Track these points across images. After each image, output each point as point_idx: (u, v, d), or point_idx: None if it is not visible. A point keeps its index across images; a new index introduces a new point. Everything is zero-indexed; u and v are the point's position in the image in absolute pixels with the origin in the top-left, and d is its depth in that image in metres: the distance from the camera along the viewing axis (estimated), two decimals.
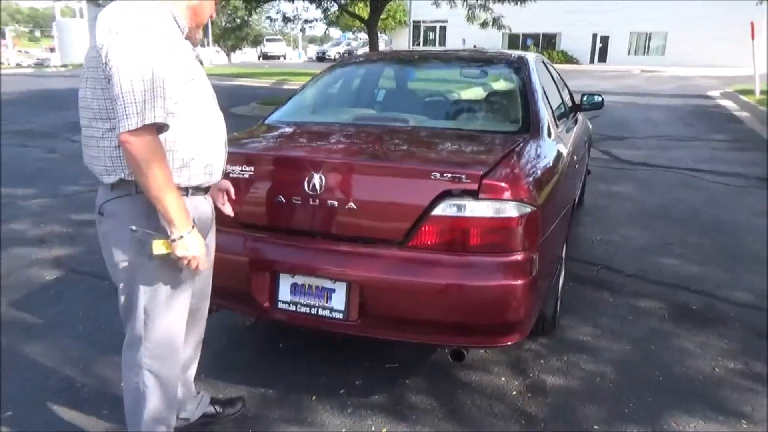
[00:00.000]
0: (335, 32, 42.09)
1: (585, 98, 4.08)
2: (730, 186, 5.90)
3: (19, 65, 32.46)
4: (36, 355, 2.69)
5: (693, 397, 2.42)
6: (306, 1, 15.29)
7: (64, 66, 29.92)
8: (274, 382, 2.49)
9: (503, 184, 2.07)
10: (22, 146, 8.03)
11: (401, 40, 40.01)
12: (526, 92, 2.97)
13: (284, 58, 42.90)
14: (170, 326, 1.79)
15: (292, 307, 2.27)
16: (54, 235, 4.37)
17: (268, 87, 17.89)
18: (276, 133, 2.95)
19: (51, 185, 5.84)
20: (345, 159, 2.36)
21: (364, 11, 15.71)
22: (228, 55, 40.66)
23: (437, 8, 16.43)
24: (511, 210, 2.06)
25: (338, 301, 2.20)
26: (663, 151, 7.75)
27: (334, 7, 16.11)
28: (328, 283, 2.21)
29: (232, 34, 37.98)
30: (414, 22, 38.39)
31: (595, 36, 34.82)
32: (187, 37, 1.73)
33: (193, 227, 1.64)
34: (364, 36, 28.27)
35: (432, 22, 37.95)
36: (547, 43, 35.99)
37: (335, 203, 2.18)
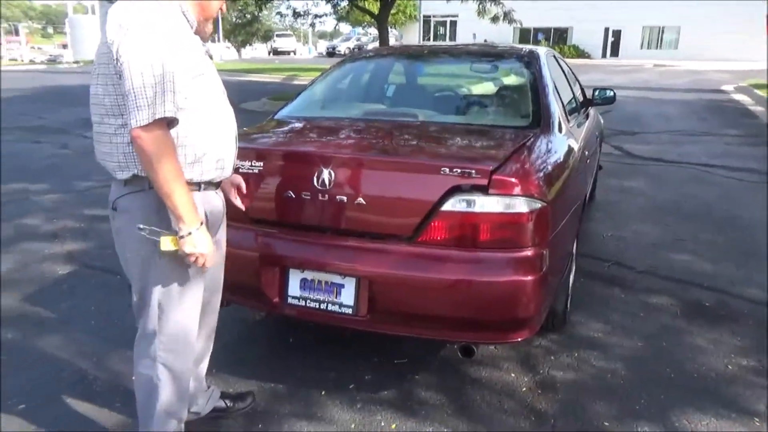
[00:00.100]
0: (345, 27, 42.02)
1: (597, 93, 4.05)
2: (743, 181, 5.83)
3: (32, 61, 32.77)
4: (49, 349, 2.72)
5: (705, 394, 2.40)
6: None
7: (77, 62, 30.17)
8: (283, 377, 2.50)
9: (513, 180, 2.06)
10: (35, 142, 8.11)
11: (411, 35, 39.89)
12: (536, 87, 2.94)
13: (294, 54, 42.93)
14: (184, 320, 1.80)
15: (302, 303, 2.27)
16: (67, 230, 4.41)
17: (279, 82, 17.94)
18: (286, 129, 2.95)
19: (63, 181, 5.90)
20: (354, 154, 2.36)
21: (374, 6, 15.68)
22: (238, 50, 40.76)
23: (447, 3, 16.36)
24: (521, 205, 2.05)
25: (347, 296, 2.20)
26: (676, 146, 7.68)
27: (344, 2, 16.10)
28: (337, 279, 2.21)
29: (242, 30, 38.12)
30: (424, 16, 38.23)
31: (607, 30, 34.53)
32: (197, 32, 1.73)
33: (201, 224, 1.64)
34: (374, 31, 28.20)
35: (442, 16, 37.77)
36: (558, 37, 35.72)
37: (344, 198, 2.18)
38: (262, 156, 2.35)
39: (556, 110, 2.82)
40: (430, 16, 38.57)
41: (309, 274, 2.26)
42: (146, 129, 1.50)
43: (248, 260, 2.30)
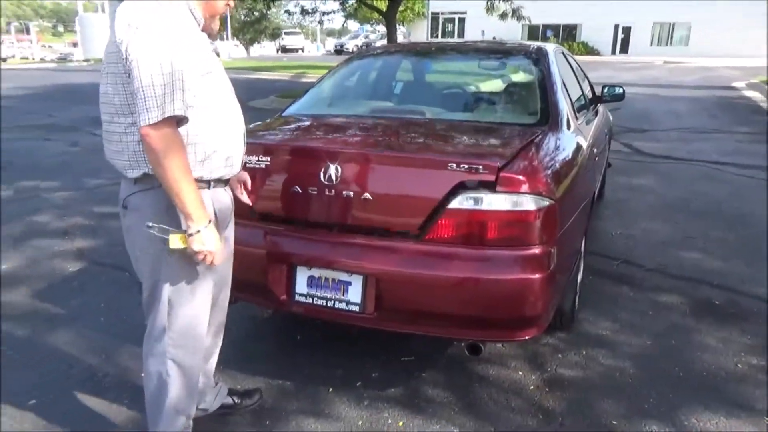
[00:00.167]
0: (353, 25, 42.09)
1: (606, 90, 4.04)
2: (754, 179, 5.78)
3: (42, 60, 33.02)
4: (60, 345, 2.74)
5: (715, 393, 2.38)
6: None
7: (87, 60, 30.38)
8: (291, 374, 2.51)
9: (521, 177, 2.05)
10: (45, 140, 8.18)
11: (419, 32, 39.82)
12: (545, 84, 2.93)
13: (302, 51, 43.00)
14: (194, 316, 1.81)
15: (309, 300, 2.28)
16: (77, 227, 4.45)
17: (287, 80, 17.96)
18: (293, 125, 2.95)
19: (74, 178, 5.94)
20: (361, 150, 2.35)
21: (382, 3, 15.67)
22: (247, 48, 40.89)
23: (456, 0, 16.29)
24: (528, 203, 2.04)
25: (354, 294, 2.20)
26: (685, 143, 7.61)
27: (352, 0, 16.09)
28: (344, 276, 2.22)
29: (250, 28, 38.23)
30: (432, 13, 38.10)
31: (616, 27, 34.29)
32: (204, 29, 1.74)
33: (210, 222, 1.65)
34: (382, 28, 28.19)
35: (450, 13, 37.69)
36: (567, 34, 35.52)
37: (351, 195, 2.18)
38: (269, 152, 2.35)
39: (565, 107, 2.81)
40: (438, 13, 38.46)
41: (316, 272, 2.26)
42: (155, 127, 1.51)
43: (256, 258, 2.31)
